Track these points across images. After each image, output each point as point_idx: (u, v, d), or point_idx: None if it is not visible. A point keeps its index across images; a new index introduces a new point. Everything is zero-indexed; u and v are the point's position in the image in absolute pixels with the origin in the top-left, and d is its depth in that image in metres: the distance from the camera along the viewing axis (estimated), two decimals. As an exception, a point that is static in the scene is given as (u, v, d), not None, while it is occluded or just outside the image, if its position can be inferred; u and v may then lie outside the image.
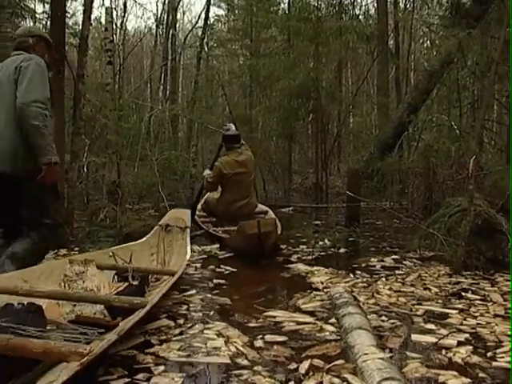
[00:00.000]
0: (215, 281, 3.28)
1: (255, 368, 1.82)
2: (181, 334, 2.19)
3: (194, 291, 2.97)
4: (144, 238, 3.80)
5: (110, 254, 3.27)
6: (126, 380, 1.71)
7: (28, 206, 2.87)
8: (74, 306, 2.39)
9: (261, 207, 5.79)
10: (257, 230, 3.94)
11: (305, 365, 1.84)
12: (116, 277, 3.03)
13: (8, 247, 2.74)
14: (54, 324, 1.98)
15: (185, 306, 2.65)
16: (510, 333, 2.19)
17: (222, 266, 3.76)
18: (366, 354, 1.80)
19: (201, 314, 2.50)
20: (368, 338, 1.96)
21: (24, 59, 2.77)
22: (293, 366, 1.85)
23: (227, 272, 3.61)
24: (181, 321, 2.38)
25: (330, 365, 1.83)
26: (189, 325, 2.31)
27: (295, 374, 1.78)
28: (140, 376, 1.74)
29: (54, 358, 1.57)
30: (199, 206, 5.87)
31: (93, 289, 2.72)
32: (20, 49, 2.95)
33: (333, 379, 1.71)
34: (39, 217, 2.85)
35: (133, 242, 3.71)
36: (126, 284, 2.86)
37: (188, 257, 3.33)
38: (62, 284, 2.70)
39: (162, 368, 1.81)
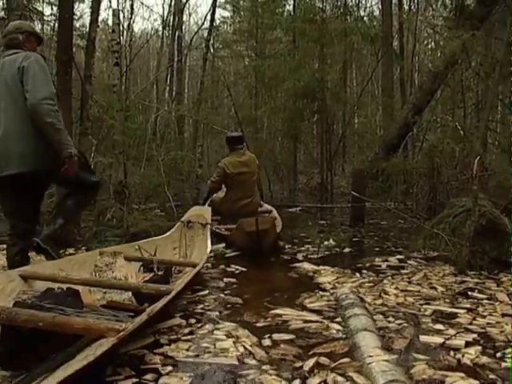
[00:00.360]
0: (226, 280, 3.33)
1: (263, 367, 1.83)
2: (191, 333, 2.20)
3: (206, 291, 3.00)
4: (168, 233, 4.03)
5: (136, 247, 3.48)
6: (134, 380, 1.72)
7: (63, 186, 3.17)
8: (105, 293, 2.56)
9: (266, 206, 5.87)
10: (255, 227, 4.03)
11: (310, 363, 1.85)
12: (142, 268, 3.27)
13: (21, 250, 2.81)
14: (89, 307, 2.14)
15: (200, 305, 2.68)
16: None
17: (231, 265, 3.80)
18: (370, 356, 1.80)
19: (213, 314, 2.52)
20: (373, 340, 1.97)
21: (24, 58, 2.78)
22: (299, 364, 1.86)
23: (237, 271, 3.64)
24: (192, 320, 2.40)
25: (336, 363, 1.84)
26: (199, 325, 2.33)
27: (300, 371, 1.79)
28: (148, 376, 1.75)
29: (93, 334, 1.72)
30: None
31: (121, 278, 2.90)
32: (11, 46, 2.95)
33: (337, 377, 1.72)
34: (76, 185, 3.01)
35: (157, 237, 3.94)
36: (152, 274, 3.06)
37: (208, 251, 3.51)
38: (93, 273, 2.87)
39: (169, 368, 1.82)
